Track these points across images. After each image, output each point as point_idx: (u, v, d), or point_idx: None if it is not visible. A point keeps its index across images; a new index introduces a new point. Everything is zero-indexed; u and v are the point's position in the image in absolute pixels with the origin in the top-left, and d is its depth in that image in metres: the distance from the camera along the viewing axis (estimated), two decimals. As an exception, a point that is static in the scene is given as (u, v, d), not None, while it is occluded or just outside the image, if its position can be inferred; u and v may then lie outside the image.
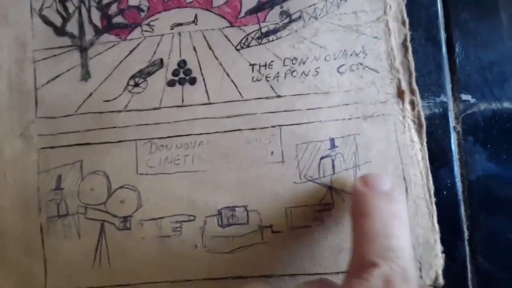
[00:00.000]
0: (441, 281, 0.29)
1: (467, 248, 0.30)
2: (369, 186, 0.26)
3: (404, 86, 0.31)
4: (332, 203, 0.30)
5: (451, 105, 0.31)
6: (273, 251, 0.30)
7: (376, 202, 0.25)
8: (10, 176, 0.31)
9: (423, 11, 0.32)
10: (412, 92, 0.31)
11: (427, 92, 0.31)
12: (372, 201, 0.25)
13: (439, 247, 0.30)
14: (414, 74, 0.31)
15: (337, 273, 0.29)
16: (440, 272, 0.30)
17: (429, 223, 0.30)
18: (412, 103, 0.31)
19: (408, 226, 0.25)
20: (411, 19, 0.31)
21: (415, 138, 0.31)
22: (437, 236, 0.30)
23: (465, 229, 0.30)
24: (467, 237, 0.30)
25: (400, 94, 0.31)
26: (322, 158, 0.30)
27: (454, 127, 0.31)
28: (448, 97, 0.31)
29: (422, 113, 0.31)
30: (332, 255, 0.30)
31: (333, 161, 0.30)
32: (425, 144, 0.31)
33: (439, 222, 0.30)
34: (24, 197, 0.30)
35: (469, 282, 0.30)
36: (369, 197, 0.26)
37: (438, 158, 0.31)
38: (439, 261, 0.30)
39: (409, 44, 0.31)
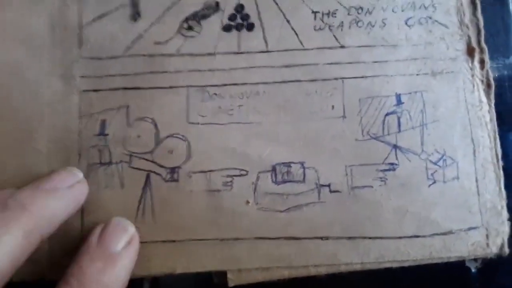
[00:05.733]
0: (506, 249, 0.28)
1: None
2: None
3: (474, 43, 0.29)
4: (397, 163, 0.28)
5: (520, 67, 0.30)
6: (331, 211, 0.28)
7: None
8: (48, 118, 0.28)
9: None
10: (481, 50, 0.29)
11: (496, 53, 0.30)
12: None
13: (505, 214, 0.28)
14: (483, 32, 0.29)
15: (400, 237, 0.28)
16: (505, 240, 0.28)
17: (497, 188, 0.28)
18: (482, 62, 0.29)
19: None
20: (479, -24, 0.29)
21: (484, 98, 0.29)
22: (504, 203, 0.28)
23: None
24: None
25: (470, 51, 0.29)
26: (387, 114, 0.28)
27: (524, 90, 0.29)
28: (516, 59, 0.30)
29: (491, 73, 0.29)
30: (396, 218, 0.28)
31: (399, 118, 0.28)
32: (493, 105, 0.29)
33: (505, 188, 0.28)
34: (63, 142, 0.28)
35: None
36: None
37: (506, 122, 0.29)
38: (505, 228, 0.28)
39: (478, 1, 0.30)
